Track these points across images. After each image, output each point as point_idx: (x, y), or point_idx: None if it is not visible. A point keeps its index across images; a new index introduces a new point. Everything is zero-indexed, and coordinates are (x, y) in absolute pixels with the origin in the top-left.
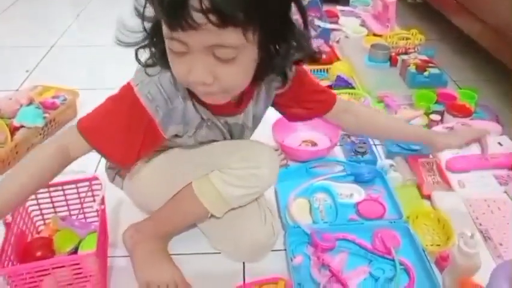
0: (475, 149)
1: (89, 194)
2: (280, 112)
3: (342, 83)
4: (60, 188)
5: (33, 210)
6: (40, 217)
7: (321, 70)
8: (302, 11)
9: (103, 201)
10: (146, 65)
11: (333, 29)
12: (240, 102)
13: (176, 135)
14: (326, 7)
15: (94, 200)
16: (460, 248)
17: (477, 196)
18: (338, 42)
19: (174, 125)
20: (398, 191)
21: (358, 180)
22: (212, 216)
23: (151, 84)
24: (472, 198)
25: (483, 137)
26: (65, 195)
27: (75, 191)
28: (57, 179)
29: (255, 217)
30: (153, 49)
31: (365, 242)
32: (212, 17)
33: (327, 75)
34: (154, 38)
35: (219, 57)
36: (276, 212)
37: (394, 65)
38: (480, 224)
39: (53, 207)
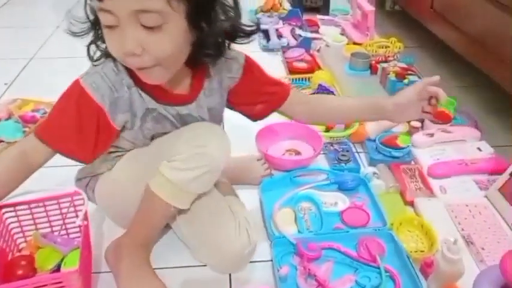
0: (455, 155)
1: (71, 209)
2: (243, 114)
3: (324, 91)
4: (41, 204)
5: (13, 228)
6: (21, 234)
7: (302, 79)
8: None
9: (85, 217)
10: (95, 60)
11: (314, 38)
12: (191, 92)
13: (125, 128)
14: (306, 16)
15: (77, 216)
16: (444, 254)
17: (458, 201)
18: (318, 51)
19: (121, 114)
20: (382, 198)
21: (342, 188)
22: (180, 210)
23: (95, 74)
24: (453, 204)
25: (430, 83)
26: (46, 211)
27: (57, 206)
28: (39, 195)
29: (228, 227)
30: (98, 42)
31: (350, 250)
32: None
33: (309, 84)
34: (96, 27)
35: (146, 25)
36: (260, 222)
37: (374, 73)
38: (462, 229)
39: (34, 223)
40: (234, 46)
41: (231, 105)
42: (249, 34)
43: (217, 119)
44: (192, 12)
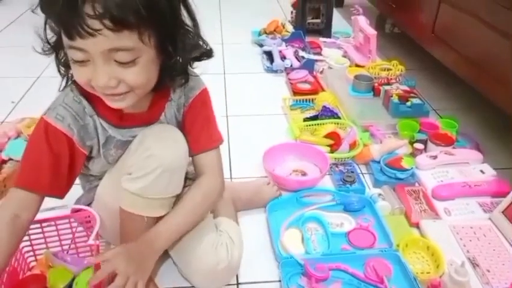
0: (458, 177)
1: (80, 228)
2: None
3: (328, 113)
4: (53, 223)
5: (24, 246)
6: (31, 253)
7: (307, 100)
8: (190, 13)
9: (97, 236)
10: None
11: (317, 60)
12: (150, 111)
13: (93, 156)
14: (308, 38)
15: (87, 235)
16: (451, 277)
17: (463, 223)
18: (321, 72)
19: (89, 141)
20: (387, 219)
21: (348, 209)
22: (151, 219)
23: (58, 107)
24: (458, 226)
25: None
26: (57, 230)
27: (68, 225)
28: (48, 214)
29: (207, 242)
30: (60, 65)
31: (358, 271)
32: (107, 22)
33: (312, 105)
34: (58, 50)
35: (119, 62)
36: (267, 242)
37: (377, 95)
38: (467, 251)
39: (45, 242)
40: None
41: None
42: (209, 52)
43: None
44: (160, 42)
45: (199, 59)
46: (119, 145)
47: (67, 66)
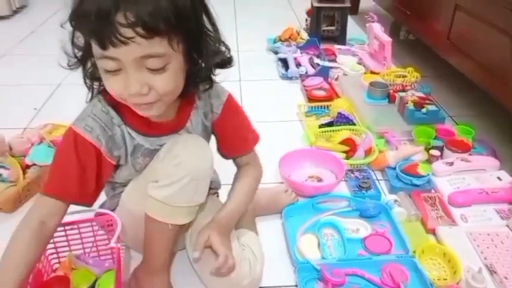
0: (475, 184)
1: (101, 232)
2: (217, 147)
3: (343, 120)
4: (76, 226)
5: (49, 249)
6: (55, 255)
7: (322, 107)
8: (211, 19)
9: (118, 239)
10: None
11: (332, 67)
12: (177, 119)
13: (120, 164)
14: (323, 45)
15: (108, 238)
16: (468, 283)
17: (480, 230)
18: (336, 79)
19: (117, 150)
20: (403, 225)
21: (363, 215)
22: (176, 226)
23: (86, 118)
24: (475, 232)
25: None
26: (80, 233)
27: (90, 229)
28: (71, 216)
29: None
30: (86, 78)
31: (374, 277)
32: (139, 30)
33: (327, 112)
34: (86, 62)
35: (151, 68)
36: (284, 248)
37: (392, 102)
38: (485, 258)
39: (68, 245)
40: (221, 84)
41: (216, 140)
42: (229, 60)
43: None
44: (187, 48)
45: (221, 66)
46: (146, 153)
47: (94, 79)
